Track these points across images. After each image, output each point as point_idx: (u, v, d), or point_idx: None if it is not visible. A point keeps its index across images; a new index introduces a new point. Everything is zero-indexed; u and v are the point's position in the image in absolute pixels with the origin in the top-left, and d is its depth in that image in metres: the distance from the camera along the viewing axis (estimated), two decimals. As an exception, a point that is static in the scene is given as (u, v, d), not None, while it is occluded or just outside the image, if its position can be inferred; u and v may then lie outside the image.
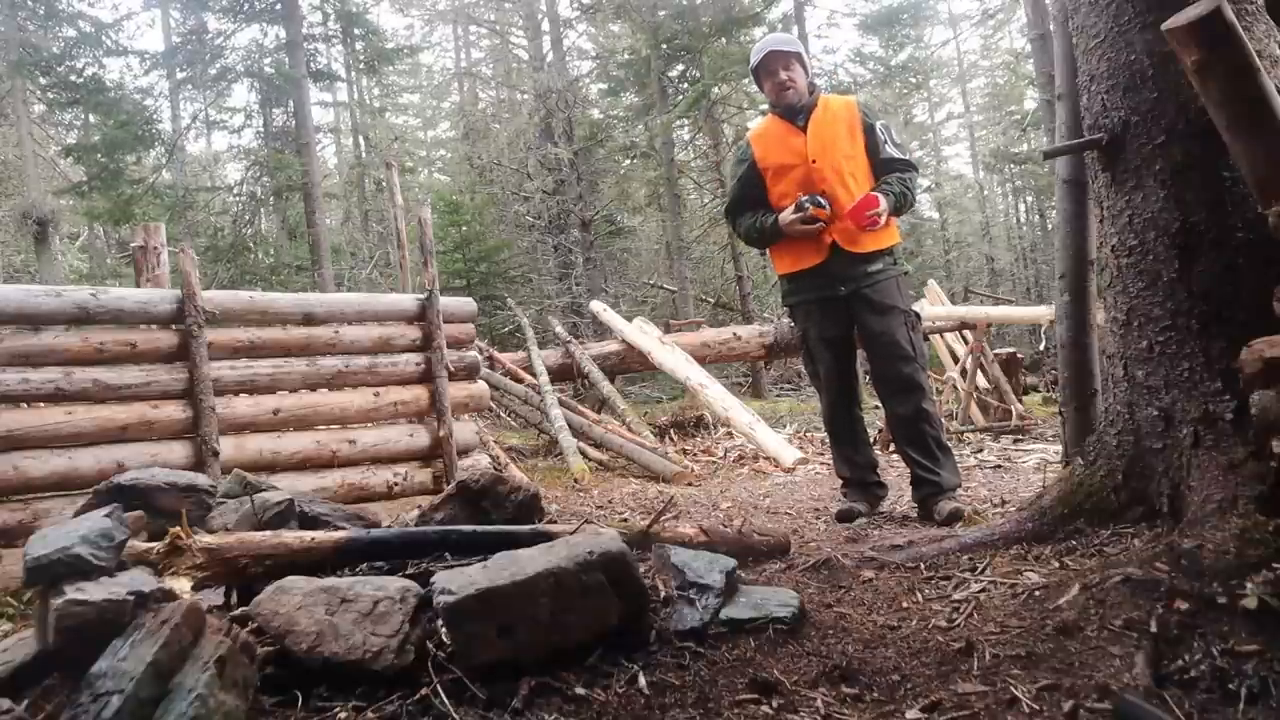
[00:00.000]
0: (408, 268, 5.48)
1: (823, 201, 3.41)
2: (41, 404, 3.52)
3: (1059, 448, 3.97)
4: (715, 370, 9.53)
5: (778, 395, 12.05)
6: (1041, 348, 10.13)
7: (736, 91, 14.31)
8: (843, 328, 3.58)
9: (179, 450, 3.65)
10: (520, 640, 1.61)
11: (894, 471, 4.58)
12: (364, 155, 20.71)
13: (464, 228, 13.89)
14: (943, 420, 3.88)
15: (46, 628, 1.57)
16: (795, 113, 3.56)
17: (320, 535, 2.06)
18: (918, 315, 3.63)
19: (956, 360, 8.12)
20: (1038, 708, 1.47)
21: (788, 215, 3.45)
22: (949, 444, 3.64)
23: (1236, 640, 1.52)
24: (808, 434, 7.21)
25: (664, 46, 14.57)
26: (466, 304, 4.86)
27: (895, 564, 2.37)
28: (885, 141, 3.52)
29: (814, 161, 3.49)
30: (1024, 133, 21.67)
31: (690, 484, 5.18)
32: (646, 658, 1.69)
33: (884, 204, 3.36)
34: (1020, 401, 7.47)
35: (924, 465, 3.44)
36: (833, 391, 3.65)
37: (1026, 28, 4.76)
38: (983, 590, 2.06)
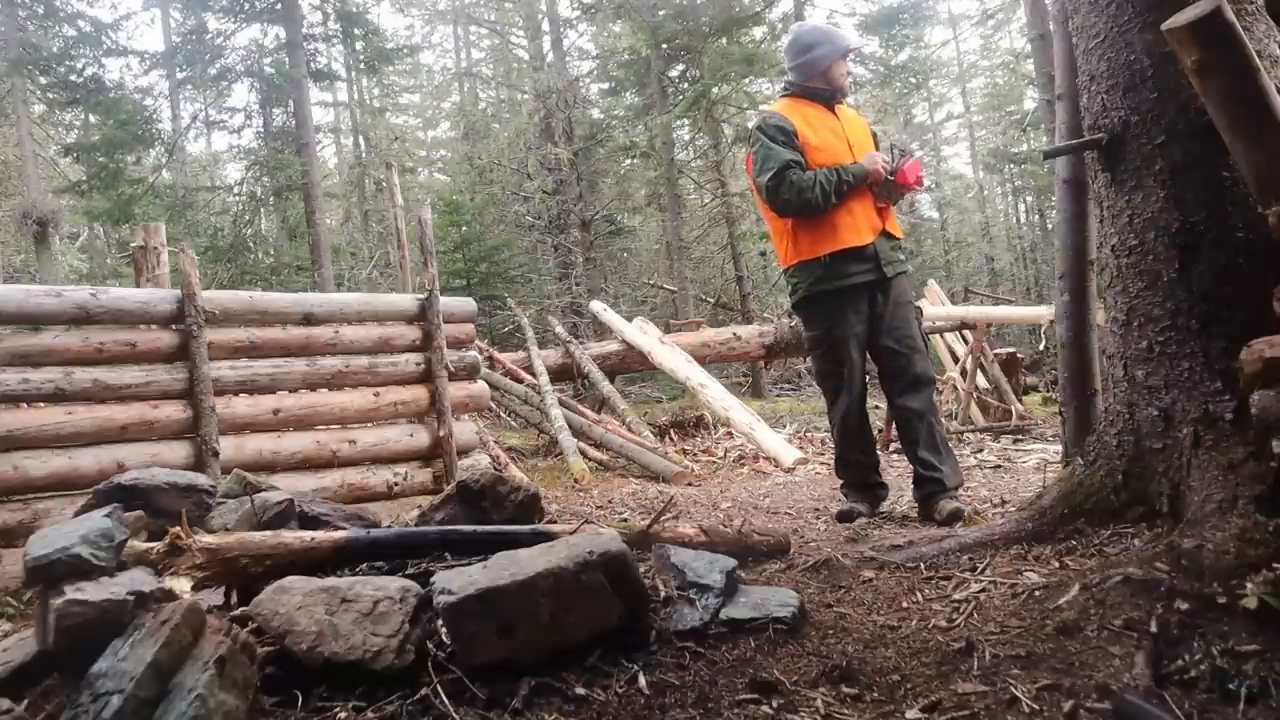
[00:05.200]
0: (408, 268, 5.48)
1: (911, 150, 3.49)
2: (42, 404, 3.52)
3: (1059, 448, 3.97)
4: (715, 370, 9.53)
5: (778, 395, 12.05)
6: (1041, 348, 10.14)
7: (736, 91, 14.29)
8: (866, 324, 3.51)
9: (179, 450, 3.65)
10: (520, 640, 1.61)
11: (894, 471, 4.59)
12: (364, 155, 20.72)
13: (464, 228, 13.87)
14: (942, 420, 3.91)
15: (46, 628, 1.57)
16: (829, 98, 3.60)
17: (320, 535, 2.06)
18: (921, 311, 3.69)
19: (956, 360, 8.12)
20: (1038, 708, 1.47)
21: (875, 158, 3.44)
22: (950, 443, 3.66)
23: (1236, 640, 1.52)
24: (808, 434, 7.21)
25: (664, 46, 14.56)
26: (466, 304, 4.86)
27: (895, 564, 2.37)
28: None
29: (852, 145, 3.52)
30: (1024, 133, 21.64)
31: (690, 484, 5.18)
32: (646, 658, 1.69)
33: None
34: (1020, 401, 7.47)
35: (929, 463, 3.43)
36: (854, 391, 3.55)
37: (1026, 28, 4.77)
38: (983, 590, 2.06)
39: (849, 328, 3.48)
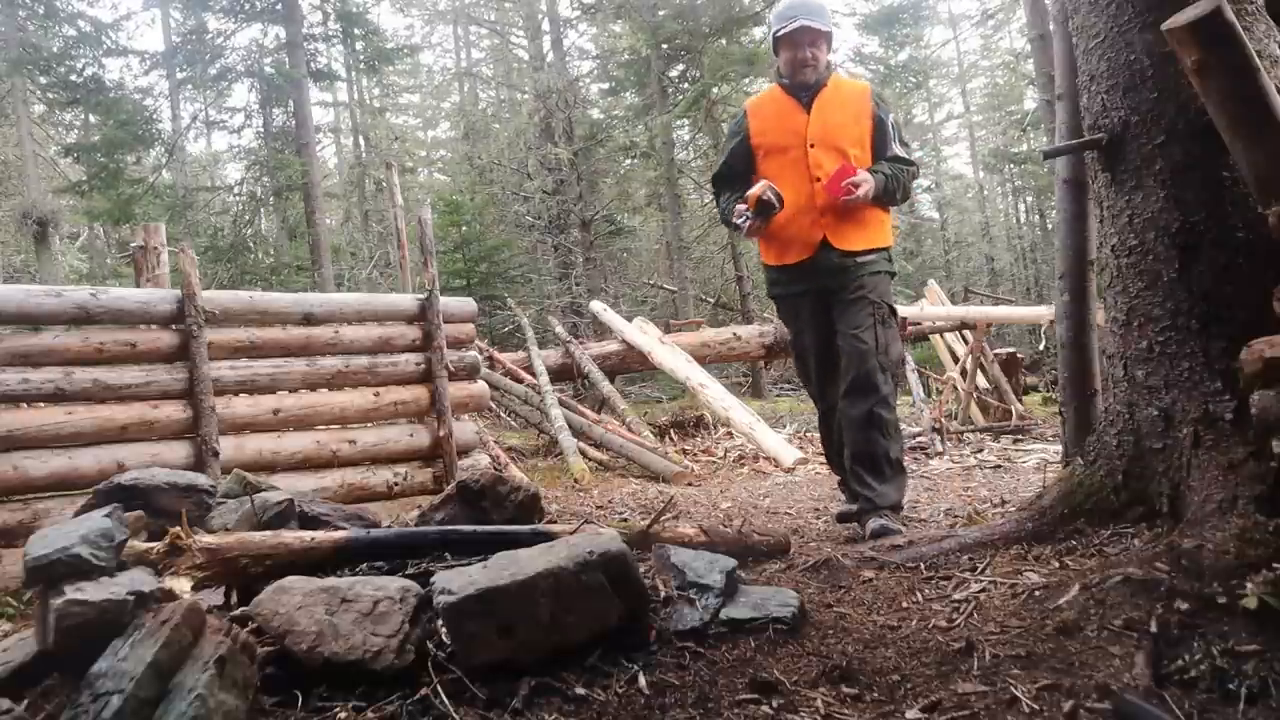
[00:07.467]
0: (408, 268, 5.48)
1: (772, 199, 3.15)
2: (42, 404, 3.52)
3: (1059, 448, 3.97)
4: (715, 370, 9.53)
5: (778, 395, 12.05)
6: (1041, 348, 10.14)
7: (736, 91, 14.30)
8: (819, 330, 3.36)
9: (179, 450, 3.65)
10: (520, 640, 1.61)
11: (894, 471, 4.57)
12: (364, 155, 20.74)
13: (464, 228, 13.88)
14: (902, 431, 3.53)
15: (46, 628, 1.57)
16: (803, 89, 3.32)
17: (320, 535, 2.06)
18: (892, 310, 3.30)
19: (956, 360, 8.12)
20: (1038, 708, 1.47)
21: (743, 217, 3.23)
22: (903, 459, 3.33)
23: (1236, 640, 1.52)
24: (808, 434, 7.20)
25: (664, 46, 14.58)
26: (466, 304, 4.86)
27: (895, 564, 2.37)
28: (894, 139, 3.32)
29: (812, 145, 3.25)
30: (1024, 133, 21.66)
31: (690, 484, 5.18)
32: (646, 658, 1.69)
33: (863, 175, 3.12)
34: (1020, 401, 7.47)
35: (860, 477, 3.15)
36: (830, 397, 3.43)
37: (1026, 28, 4.76)
38: (983, 590, 2.06)
39: (802, 335, 3.44)
